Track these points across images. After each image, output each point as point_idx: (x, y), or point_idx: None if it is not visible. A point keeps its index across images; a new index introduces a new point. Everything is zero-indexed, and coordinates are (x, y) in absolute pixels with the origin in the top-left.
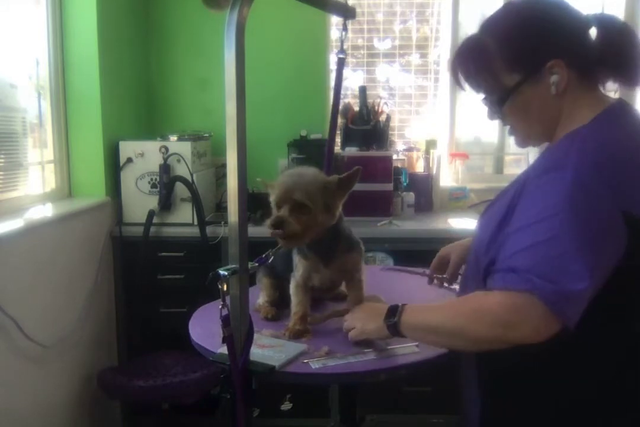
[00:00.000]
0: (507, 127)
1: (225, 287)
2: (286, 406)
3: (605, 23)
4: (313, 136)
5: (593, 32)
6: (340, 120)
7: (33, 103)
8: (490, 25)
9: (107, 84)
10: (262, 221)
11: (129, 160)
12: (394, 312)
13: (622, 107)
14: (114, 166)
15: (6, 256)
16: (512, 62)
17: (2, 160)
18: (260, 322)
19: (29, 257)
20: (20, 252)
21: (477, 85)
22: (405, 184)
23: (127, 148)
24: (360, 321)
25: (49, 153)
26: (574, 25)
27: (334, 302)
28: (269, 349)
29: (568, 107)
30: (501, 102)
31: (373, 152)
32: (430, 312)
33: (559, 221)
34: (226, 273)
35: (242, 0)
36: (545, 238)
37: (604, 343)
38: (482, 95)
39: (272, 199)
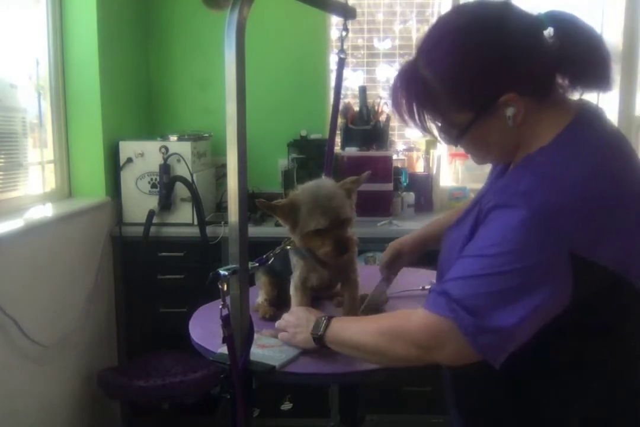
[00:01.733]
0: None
1: (225, 287)
2: (286, 405)
3: (561, 22)
4: (313, 136)
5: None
6: (340, 120)
7: (33, 103)
8: (428, 57)
9: (107, 84)
10: (263, 221)
11: (129, 160)
12: (319, 325)
13: (586, 118)
14: (114, 166)
15: (6, 256)
16: (459, 102)
17: (2, 160)
18: (259, 322)
19: (29, 257)
20: (20, 252)
21: (422, 124)
22: (405, 184)
23: (127, 148)
24: (292, 328)
25: (49, 153)
26: (526, 38)
27: (331, 302)
28: (269, 349)
29: (528, 129)
30: (454, 140)
31: (373, 152)
32: (355, 329)
33: (500, 260)
34: (226, 273)
35: (242, 0)
36: (483, 273)
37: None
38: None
39: (320, 225)
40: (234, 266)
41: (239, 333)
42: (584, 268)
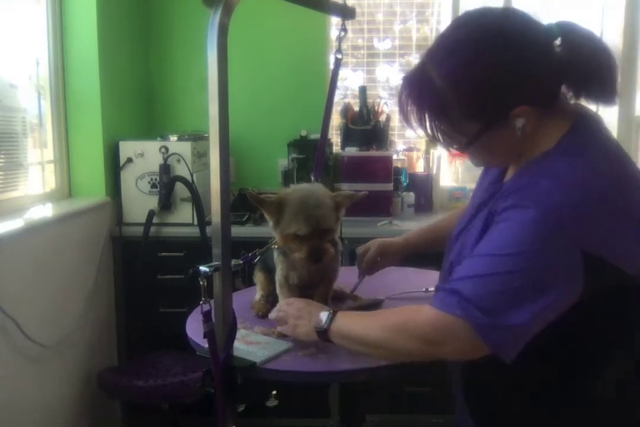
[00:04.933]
0: None
1: (205, 284)
2: (271, 402)
3: (571, 33)
4: (313, 136)
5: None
6: (340, 120)
7: (33, 103)
8: (442, 68)
9: (107, 84)
10: (262, 220)
11: (129, 160)
12: (324, 318)
13: (584, 122)
14: (114, 166)
15: (6, 256)
16: (472, 113)
17: (2, 160)
18: (255, 319)
19: (29, 257)
20: (20, 252)
21: (431, 131)
22: (405, 184)
23: (127, 148)
24: (293, 319)
25: (49, 153)
26: (539, 49)
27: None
28: (255, 345)
29: (533, 136)
30: (462, 148)
31: (373, 152)
32: (360, 322)
33: (512, 259)
34: (207, 270)
35: (224, 1)
36: (496, 272)
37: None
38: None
39: (301, 231)
40: (216, 263)
41: (221, 329)
42: (595, 265)
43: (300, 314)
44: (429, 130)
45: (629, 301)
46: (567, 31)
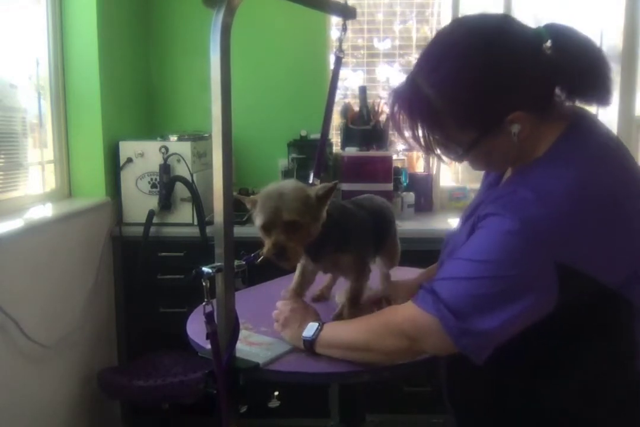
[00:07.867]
0: None
1: (208, 285)
2: (273, 403)
3: (560, 35)
4: (313, 136)
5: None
6: (340, 120)
7: (33, 103)
8: (432, 77)
9: (107, 84)
10: None
11: (129, 160)
12: (312, 329)
13: (578, 127)
14: (114, 166)
15: (6, 256)
16: (465, 122)
17: (2, 160)
18: (257, 320)
19: (29, 257)
20: (20, 252)
21: (426, 143)
22: (405, 184)
23: (127, 148)
24: (283, 319)
25: (49, 153)
26: (528, 54)
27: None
28: (257, 346)
29: (528, 142)
30: (459, 158)
31: (373, 152)
32: (346, 329)
33: (486, 266)
34: (210, 271)
35: (227, 2)
36: (470, 277)
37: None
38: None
39: (259, 223)
40: (219, 263)
41: (224, 330)
42: (570, 276)
43: (292, 316)
44: (422, 142)
45: (610, 315)
46: (556, 33)
